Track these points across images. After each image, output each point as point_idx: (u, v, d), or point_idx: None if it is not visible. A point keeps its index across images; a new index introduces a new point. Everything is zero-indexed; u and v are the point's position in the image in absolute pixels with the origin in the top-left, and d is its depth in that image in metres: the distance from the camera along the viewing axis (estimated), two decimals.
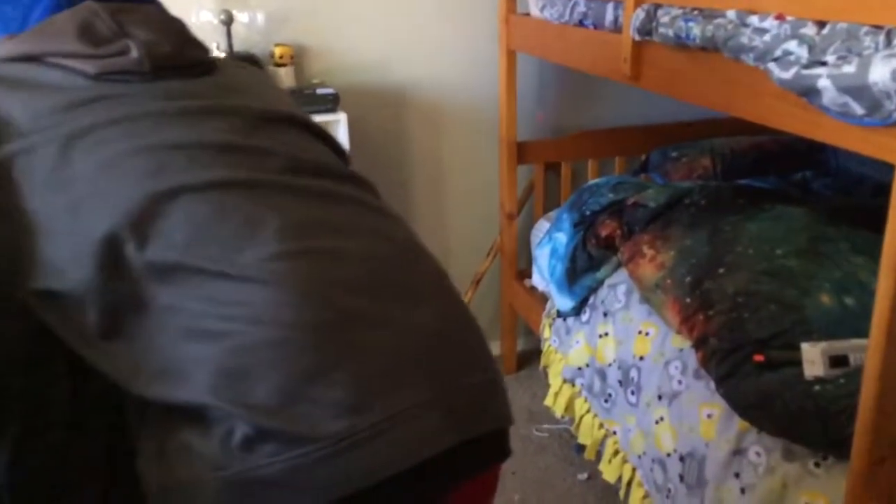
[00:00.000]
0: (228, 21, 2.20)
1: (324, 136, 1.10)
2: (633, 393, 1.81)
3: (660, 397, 1.71)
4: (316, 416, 0.79)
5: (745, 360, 1.47)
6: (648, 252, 1.86)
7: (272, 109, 1.03)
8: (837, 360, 1.38)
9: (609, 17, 1.77)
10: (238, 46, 2.26)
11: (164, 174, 0.87)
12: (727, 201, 1.94)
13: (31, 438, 0.86)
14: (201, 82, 1.02)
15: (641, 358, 1.80)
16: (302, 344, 0.82)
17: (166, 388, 0.81)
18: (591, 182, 2.33)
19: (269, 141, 0.98)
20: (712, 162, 2.39)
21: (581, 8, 1.90)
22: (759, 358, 1.45)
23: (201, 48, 1.06)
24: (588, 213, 2.11)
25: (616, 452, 1.89)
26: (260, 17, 2.33)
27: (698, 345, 1.59)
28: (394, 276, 0.93)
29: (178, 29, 1.05)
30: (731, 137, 2.52)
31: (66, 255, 0.84)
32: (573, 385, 2.10)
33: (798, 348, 1.42)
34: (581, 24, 1.92)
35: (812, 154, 2.43)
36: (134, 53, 0.95)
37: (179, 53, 1.01)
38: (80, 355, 0.85)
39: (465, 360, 0.93)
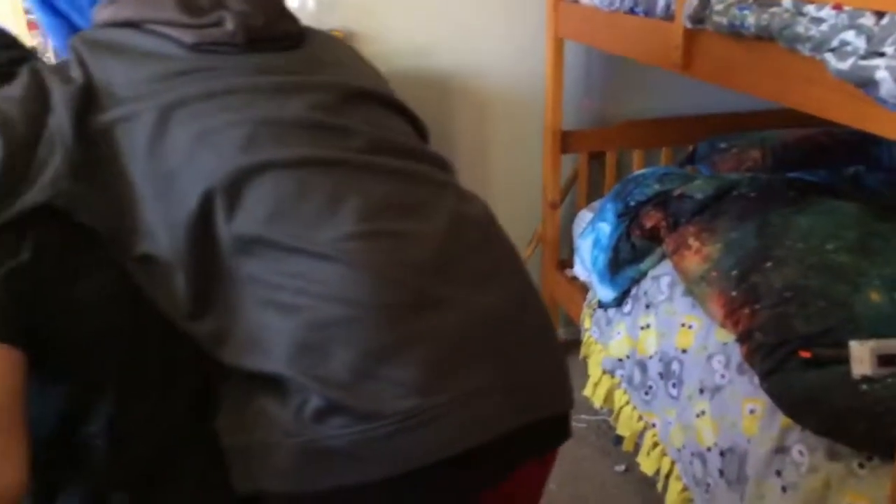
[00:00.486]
0: None
1: (407, 114, 1.11)
2: (674, 386, 1.80)
3: (701, 391, 1.69)
4: (384, 393, 0.83)
5: (790, 355, 1.45)
6: (694, 244, 1.83)
7: (358, 86, 1.04)
8: (886, 360, 1.36)
9: (661, 4, 1.74)
10: None
11: (252, 149, 0.89)
12: (777, 194, 1.90)
13: (128, 400, 0.90)
14: (292, 55, 1.03)
15: (684, 351, 1.78)
16: (373, 323, 0.85)
17: (249, 357, 0.86)
18: (637, 172, 2.31)
19: (355, 119, 0.99)
20: (762, 154, 2.34)
21: None
22: (805, 354, 1.43)
23: (292, 20, 1.07)
24: (633, 203, 2.09)
25: (655, 445, 1.88)
26: (310, 2, 2.34)
27: (743, 339, 1.57)
28: (466, 259, 0.94)
29: (271, 0, 1.05)
30: (783, 129, 2.46)
31: (160, 221, 0.87)
32: (613, 376, 2.09)
33: (846, 346, 1.39)
34: (632, 11, 1.89)
35: (865, 148, 2.37)
36: (229, 25, 0.96)
37: (272, 25, 1.01)
38: (171, 321, 0.89)
39: (531, 343, 0.95)
